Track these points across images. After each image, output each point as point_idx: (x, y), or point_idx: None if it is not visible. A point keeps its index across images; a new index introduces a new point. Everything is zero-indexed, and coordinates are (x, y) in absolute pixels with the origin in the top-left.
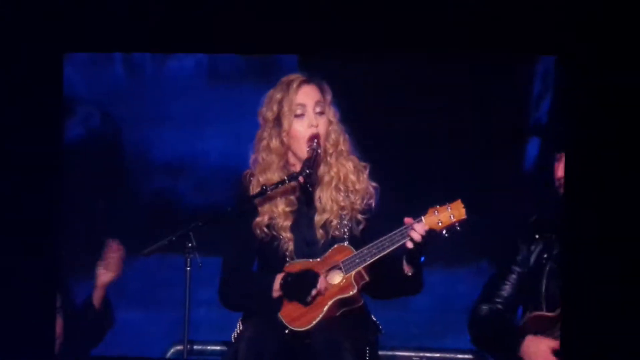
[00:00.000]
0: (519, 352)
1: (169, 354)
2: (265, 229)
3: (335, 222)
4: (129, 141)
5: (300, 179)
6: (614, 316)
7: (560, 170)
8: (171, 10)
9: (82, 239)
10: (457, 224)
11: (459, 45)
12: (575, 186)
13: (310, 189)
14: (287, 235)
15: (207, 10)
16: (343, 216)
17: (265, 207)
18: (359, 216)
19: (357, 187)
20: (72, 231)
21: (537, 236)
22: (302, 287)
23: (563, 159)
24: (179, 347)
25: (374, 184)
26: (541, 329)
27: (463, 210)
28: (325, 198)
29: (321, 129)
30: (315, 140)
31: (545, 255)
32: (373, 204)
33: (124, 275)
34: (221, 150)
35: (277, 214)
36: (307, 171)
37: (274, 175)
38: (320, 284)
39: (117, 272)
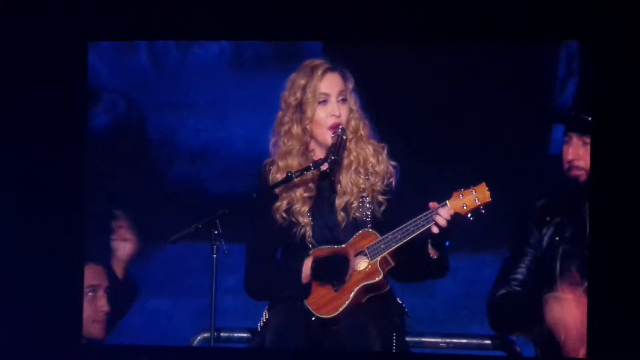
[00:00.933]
0: (545, 322)
1: (196, 342)
2: (284, 214)
3: (355, 204)
4: (153, 129)
5: (325, 165)
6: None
7: (569, 154)
8: None
9: (108, 227)
10: (482, 207)
11: (482, 33)
12: (601, 170)
13: (333, 177)
14: (304, 220)
15: None
16: (364, 198)
17: (284, 193)
18: (380, 197)
19: (377, 169)
20: (97, 219)
21: (547, 218)
22: (333, 269)
23: (573, 142)
24: (205, 335)
25: (393, 162)
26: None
27: (487, 194)
28: (345, 181)
29: (343, 117)
30: (340, 127)
31: (557, 238)
32: (393, 183)
33: (150, 263)
34: (245, 137)
35: (295, 199)
36: (332, 157)
37: (294, 161)
38: (350, 264)
39: (133, 241)
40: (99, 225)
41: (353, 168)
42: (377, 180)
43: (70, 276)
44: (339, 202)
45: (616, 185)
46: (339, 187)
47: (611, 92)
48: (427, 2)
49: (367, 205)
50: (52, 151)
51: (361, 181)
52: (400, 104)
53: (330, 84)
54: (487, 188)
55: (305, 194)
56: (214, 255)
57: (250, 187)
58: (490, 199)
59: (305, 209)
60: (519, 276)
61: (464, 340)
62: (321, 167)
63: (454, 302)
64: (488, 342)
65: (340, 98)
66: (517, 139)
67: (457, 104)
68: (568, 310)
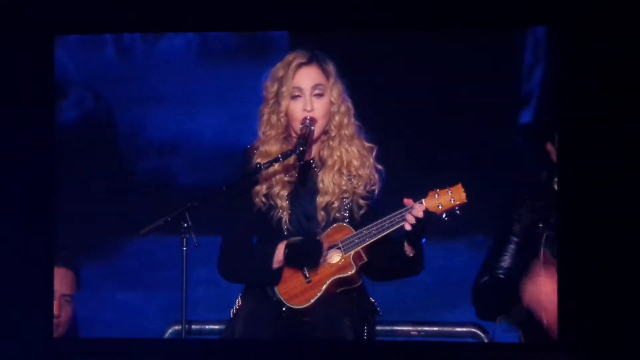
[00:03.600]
0: (523, 304)
1: (167, 335)
2: (263, 198)
3: (337, 204)
4: (121, 122)
5: (293, 156)
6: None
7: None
8: None
9: (78, 222)
10: (457, 207)
11: (448, 20)
12: (568, 156)
13: (314, 166)
14: (283, 204)
15: None
16: (344, 199)
17: (265, 177)
18: (361, 201)
19: (361, 172)
20: (67, 214)
21: (530, 205)
22: (306, 255)
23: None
24: (177, 327)
25: (379, 166)
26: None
27: (463, 195)
28: (328, 181)
29: (318, 112)
30: (308, 119)
31: (541, 225)
32: (376, 191)
33: (121, 257)
34: (215, 129)
35: (274, 182)
36: (301, 149)
37: (274, 147)
38: (323, 254)
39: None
40: (68, 222)
41: (336, 168)
42: (359, 183)
43: (40, 273)
44: (320, 200)
45: (583, 170)
46: (321, 185)
47: (578, 78)
48: None
49: (347, 205)
50: (19, 147)
51: (343, 182)
52: (364, 95)
53: (304, 77)
54: (463, 189)
55: (285, 178)
56: (184, 248)
57: (221, 179)
58: (465, 200)
59: (284, 192)
60: (503, 264)
61: (436, 328)
62: (289, 157)
63: (425, 290)
64: (460, 329)
65: (315, 92)
66: (486, 127)
67: (423, 93)
68: (544, 290)
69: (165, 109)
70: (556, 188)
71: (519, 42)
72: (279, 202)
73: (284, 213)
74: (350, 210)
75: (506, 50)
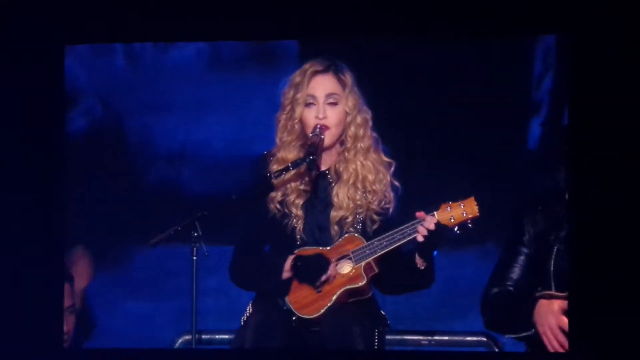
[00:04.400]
0: (532, 320)
1: (177, 344)
2: (278, 205)
3: (350, 219)
4: (131, 131)
5: (303, 166)
6: (621, 297)
7: None
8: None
9: (87, 231)
10: (469, 221)
11: (459, 29)
12: (578, 165)
13: (329, 178)
14: (297, 212)
15: None
16: (358, 214)
17: (281, 184)
18: (374, 216)
19: (375, 187)
20: (76, 223)
21: (542, 217)
22: (312, 270)
23: None
24: (187, 337)
25: (396, 183)
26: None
27: (476, 208)
28: (343, 195)
29: (330, 120)
30: (319, 127)
31: (552, 237)
32: (390, 210)
33: (131, 266)
34: (224, 138)
35: (290, 190)
36: (310, 157)
37: (290, 155)
38: (331, 270)
39: (89, 278)
40: (78, 230)
41: (351, 182)
42: (374, 199)
43: (49, 284)
44: (334, 215)
45: (593, 180)
46: (335, 200)
47: (588, 86)
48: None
49: (360, 220)
50: (29, 155)
51: (358, 196)
52: (378, 105)
53: (318, 86)
54: (475, 203)
55: (301, 187)
56: (194, 257)
57: (231, 188)
58: (478, 214)
59: (300, 201)
60: (513, 275)
61: (446, 338)
62: (300, 167)
63: (435, 299)
64: (470, 338)
65: (329, 101)
66: (497, 136)
67: (433, 101)
68: (552, 312)
69: (174, 117)
70: (567, 198)
71: (529, 50)
72: (294, 210)
73: (299, 222)
74: (363, 224)
75: (516, 58)
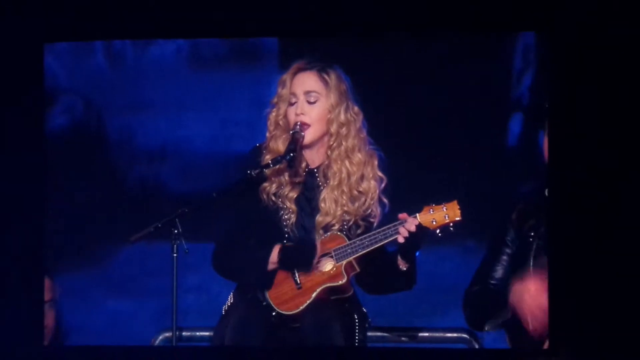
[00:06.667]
0: (509, 305)
1: (157, 341)
2: (273, 197)
3: (337, 226)
4: (111, 129)
5: (284, 162)
6: (600, 292)
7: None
8: None
9: (68, 229)
10: (451, 224)
11: (438, 24)
12: (559, 160)
13: (317, 178)
14: (291, 206)
15: None
16: (345, 221)
17: (274, 176)
18: (360, 222)
19: (361, 188)
20: (57, 221)
21: (525, 215)
22: (300, 255)
23: None
24: (167, 334)
25: (385, 200)
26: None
27: (458, 212)
28: (330, 201)
29: (309, 117)
30: (299, 124)
31: (533, 234)
32: (374, 224)
33: (111, 263)
34: (205, 136)
35: (284, 182)
36: (291, 154)
37: (281, 147)
38: (318, 254)
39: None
40: (58, 229)
41: (336, 184)
42: (360, 203)
43: (29, 280)
44: (320, 220)
45: (573, 177)
46: (322, 205)
47: (567, 83)
48: None
49: (346, 226)
50: (9, 154)
51: (344, 201)
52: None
53: (299, 83)
54: (458, 206)
55: (295, 180)
56: (175, 255)
57: (211, 185)
58: (460, 217)
59: (293, 195)
60: (495, 274)
61: (426, 334)
62: (280, 163)
63: (415, 296)
64: (450, 335)
65: (310, 99)
66: (476, 132)
67: (415, 100)
68: (530, 289)
69: (155, 115)
70: (546, 195)
71: (509, 47)
72: (287, 203)
73: (292, 216)
74: (349, 229)
75: (496, 55)
